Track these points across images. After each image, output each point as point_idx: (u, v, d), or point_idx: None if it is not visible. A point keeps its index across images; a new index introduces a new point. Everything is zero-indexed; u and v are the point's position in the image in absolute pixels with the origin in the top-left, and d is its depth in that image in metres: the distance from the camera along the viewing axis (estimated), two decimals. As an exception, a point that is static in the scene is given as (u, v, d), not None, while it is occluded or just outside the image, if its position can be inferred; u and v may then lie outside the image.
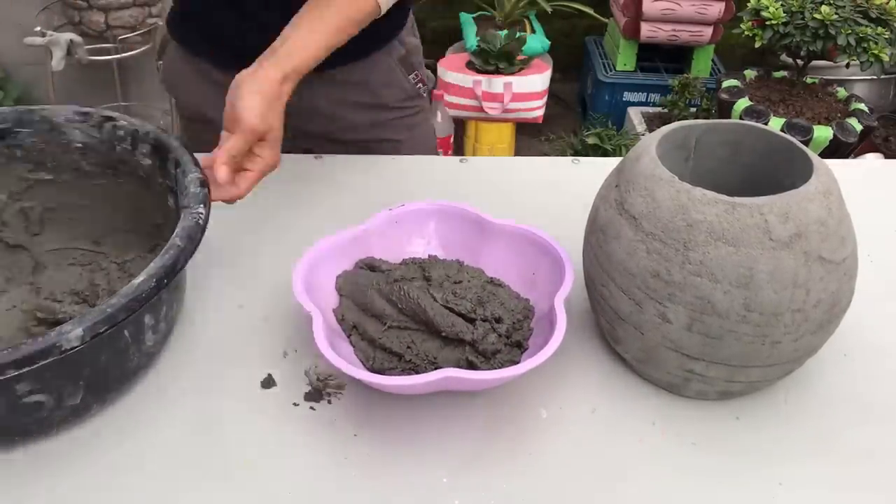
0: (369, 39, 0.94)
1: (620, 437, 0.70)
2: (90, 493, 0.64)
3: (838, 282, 0.64)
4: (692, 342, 0.66)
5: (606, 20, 2.80)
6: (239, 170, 0.78)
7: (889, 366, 0.78)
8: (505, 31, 2.56)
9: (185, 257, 0.65)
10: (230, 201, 0.78)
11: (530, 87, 2.53)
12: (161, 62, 1.11)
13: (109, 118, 0.80)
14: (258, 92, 0.77)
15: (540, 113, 2.60)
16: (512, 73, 2.52)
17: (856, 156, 2.15)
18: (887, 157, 2.42)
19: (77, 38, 2.22)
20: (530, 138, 2.82)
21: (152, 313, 0.67)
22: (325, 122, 1.08)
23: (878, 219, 0.95)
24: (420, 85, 1.12)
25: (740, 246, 0.62)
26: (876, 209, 0.98)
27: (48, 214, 0.84)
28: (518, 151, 2.70)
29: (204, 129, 1.08)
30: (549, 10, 2.68)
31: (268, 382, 0.73)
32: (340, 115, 1.07)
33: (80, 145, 0.81)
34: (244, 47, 0.90)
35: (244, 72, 0.79)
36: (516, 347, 0.72)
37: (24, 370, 0.56)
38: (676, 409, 0.72)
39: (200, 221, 0.68)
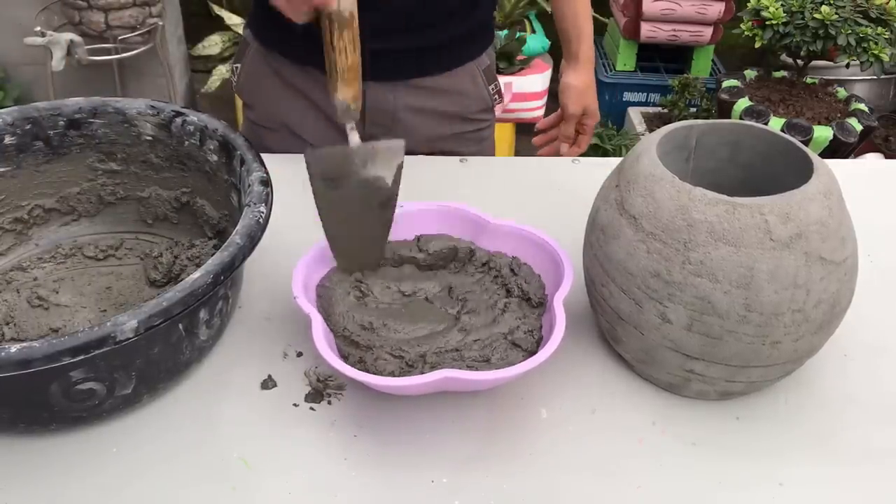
0: (468, 48, 0.95)
1: (620, 437, 0.70)
2: (92, 492, 0.64)
3: (838, 282, 0.64)
4: (692, 342, 0.66)
5: (606, 20, 2.80)
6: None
7: (889, 366, 0.78)
8: (505, 31, 2.56)
9: (243, 255, 0.66)
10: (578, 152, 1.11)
11: (530, 87, 2.52)
12: (238, 65, 1.11)
13: (180, 113, 0.82)
14: (570, 83, 1.13)
15: (540, 113, 2.60)
16: (512, 73, 2.51)
17: (856, 156, 2.15)
18: (887, 157, 2.42)
19: (77, 38, 2.21)
20: (530, 138, 2.81)
21: (207, 308, 0.68)
22: (401, 133, 1.07)
23: (878, 219, 0.95)
24: (496, 97, 1.13)
25: (740, 246, 0.62)
26: (876, 209, 0.98)
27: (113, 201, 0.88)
28: (518, 151, 2.70)
29: (269, 134, 1.10)
30: (549, 10, 2.68)
31: (267, 383, 0.73)
32: (419, 125, 1.06)
33: (149, 138, 0.83)
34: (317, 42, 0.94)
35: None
36: (517, 348, 0.72)
37: (79, 358, 0.57)
38: (676, 409, 0.72)
39: (261, 220, 0.69)
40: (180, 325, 0.65)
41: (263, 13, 1.04)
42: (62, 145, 0.82)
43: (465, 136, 1.11)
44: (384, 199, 0.70)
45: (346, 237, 0.73)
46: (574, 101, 1.13)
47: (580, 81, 1.13)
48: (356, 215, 0.71)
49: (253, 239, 0.67)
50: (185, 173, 0.85)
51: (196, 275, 0.62)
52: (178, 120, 0.82)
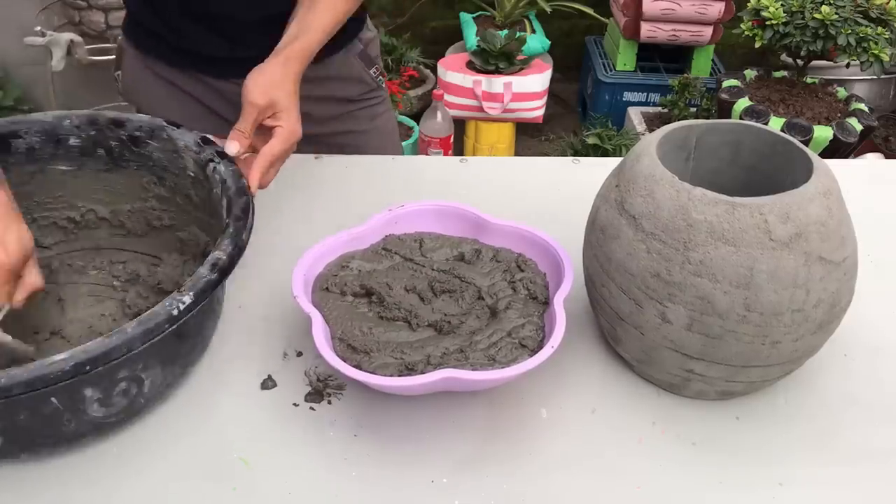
0: (336, 38, 0.95)
1: (620, 437, 0.70)
2: (93, 493, 0.64)
3: (838, 282, 0.64)
4: (692, 342, 0.66)
5: (606, 20, 2.79)
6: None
7: (889, 366, 0.78)
8: (505, 31, 2.56)
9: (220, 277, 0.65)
10: (262, 185, 0.81)
11: (530, 87, 2.53)
12: (119, 73, 1.12)
13: (214, 160, 0.77)
14: (256, 71, 0.84)
15: (540, 113, 2.60)
16: (512, 73, 2.51)
17: (856, 156, 2.15)
18: (887, 157, 2.42)
19: (77, 38, 2.21)
20: (530, 138, 2.81)
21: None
22: None
23: (878, 219, 0.95)
24: (380, 77, 1.16)
25: (740, 246, 0.62)
26: (876, 209, 0.98)
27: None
28: (518, 151, 2.70)
29: None
30: (548, 10, 2.68)
31: (267, 383, 0.73)
32: (306, 109, 1.06)
33: (192, 175, 0.79)
34: (196, 52, 0.99)
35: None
36: (519, 348, 0.72)
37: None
38: (676, 409, 0.72)
39: (240, 243, 0.69)
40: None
41: (136, 21, 1.07)
42: (122, 158, 0.81)
43: (354, 113, 1.14)
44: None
45: None
46: (255, 85, 0.83)
47: (275, 68, 0.86)
48: None
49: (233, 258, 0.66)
50: (212, 221, 0.78)
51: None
52: (211, 166, 0.76)
